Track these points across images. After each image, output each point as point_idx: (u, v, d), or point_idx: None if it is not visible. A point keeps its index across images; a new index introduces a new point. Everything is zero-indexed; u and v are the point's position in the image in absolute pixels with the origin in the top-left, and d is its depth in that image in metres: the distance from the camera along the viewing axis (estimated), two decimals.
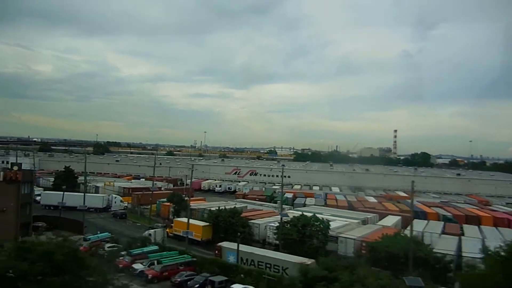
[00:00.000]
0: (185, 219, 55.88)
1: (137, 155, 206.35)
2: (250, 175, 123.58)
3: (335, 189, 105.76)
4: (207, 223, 52.56)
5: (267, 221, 53.91)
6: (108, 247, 44.34)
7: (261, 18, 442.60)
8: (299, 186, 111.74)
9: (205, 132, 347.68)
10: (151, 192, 79.50)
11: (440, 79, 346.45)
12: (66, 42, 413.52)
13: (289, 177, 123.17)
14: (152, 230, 51.78)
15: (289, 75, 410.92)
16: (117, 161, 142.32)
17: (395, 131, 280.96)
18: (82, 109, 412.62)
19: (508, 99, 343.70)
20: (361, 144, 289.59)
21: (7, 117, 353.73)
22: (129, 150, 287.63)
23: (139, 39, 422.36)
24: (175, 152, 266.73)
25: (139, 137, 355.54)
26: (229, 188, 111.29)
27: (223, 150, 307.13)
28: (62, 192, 73.16)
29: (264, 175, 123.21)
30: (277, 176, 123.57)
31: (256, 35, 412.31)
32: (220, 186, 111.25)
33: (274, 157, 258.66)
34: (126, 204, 76.79)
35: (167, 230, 56.18)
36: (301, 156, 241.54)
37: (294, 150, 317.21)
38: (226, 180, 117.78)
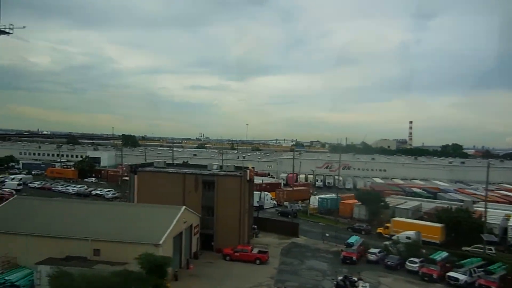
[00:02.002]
0: (407, 219, 53.06)
1: (167, 148, 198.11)
2: (343, 169, 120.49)
3: (440, 183, 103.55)
4: (441, 224, 49.43)
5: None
6: (379, 253, 41.30)
7: (258, 9, 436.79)
8: (399, 181, 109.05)
9: (247, 124, 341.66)
10: (292, 189, 76.62)
11: (435, 69, 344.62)
12: (62, 33, 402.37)
13: (384, 170, 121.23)
14: (409, 233, 46.44)
15: (286, 66, 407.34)
16: (194, 155, 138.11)
17: (411, 122, 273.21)
18: (78, 101, 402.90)
19: (505, 89, 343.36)
20: (369, 135, 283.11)
21: (3, 109, 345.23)
22: (158, 143, 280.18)
23: (136, 31, 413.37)
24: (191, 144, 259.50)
25: (136, 130, 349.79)
26: (328, 182, 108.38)
27: (228, 142, 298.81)
28: None
29: (358, 169, 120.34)
30: (371, 170, 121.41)
31: (253, 26, 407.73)
32: (320, 181, 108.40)
33: (301, 150, 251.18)
34: (275, 202, 73.47)
35: (379, 230, 53.17)
36: (335, 149, 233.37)
37: (297, 142, 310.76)
38: (318, 174, 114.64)
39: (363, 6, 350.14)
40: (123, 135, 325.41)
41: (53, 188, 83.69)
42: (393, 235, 50.36)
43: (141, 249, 31.04)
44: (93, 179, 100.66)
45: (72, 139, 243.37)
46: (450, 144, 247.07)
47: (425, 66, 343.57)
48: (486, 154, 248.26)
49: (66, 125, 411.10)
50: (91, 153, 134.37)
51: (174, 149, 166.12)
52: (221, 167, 47.84)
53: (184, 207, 37.05)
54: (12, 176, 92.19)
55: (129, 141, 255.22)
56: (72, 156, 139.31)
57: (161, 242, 31.36)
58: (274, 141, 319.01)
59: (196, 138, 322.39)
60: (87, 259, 31.99)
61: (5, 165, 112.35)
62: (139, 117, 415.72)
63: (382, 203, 57.91)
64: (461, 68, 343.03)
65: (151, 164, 50.80)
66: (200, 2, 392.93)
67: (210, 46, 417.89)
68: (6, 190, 74.80)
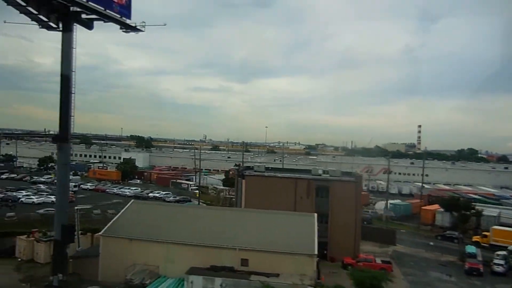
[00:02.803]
0: (509, 229, 51.28)
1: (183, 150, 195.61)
2: (383, 173, 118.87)
3: (486, 189, 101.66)
4: None
5: None
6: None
7: (263, 11, 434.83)
8: (442, 186, 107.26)
9: (267, 127, 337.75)
10: None
11: (440, 73, 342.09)
12: None
13: (427, 175, 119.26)
14: None
15: (290, 69, 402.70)
16: (228, 157, 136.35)
17: (419, 126, 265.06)
18: (81, 101, 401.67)
19: (506, 93, 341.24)
20: (374, 139, 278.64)
21: (7, 109, 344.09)
22: (171, 145, 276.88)
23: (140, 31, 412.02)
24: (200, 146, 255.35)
25: (139, 131, 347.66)
26: (372, 187, 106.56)
27: (233, 144, 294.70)
28: None
29: (399, 173, 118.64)
30: (413, 174, 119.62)
31: (257, 28, 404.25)
32: (364, 186, 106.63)
33: (315, 152, 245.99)
34: None
35: (476, 239, 51.36)
36: (352, 152, 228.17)
37: (301, 145, 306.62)
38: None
39: (368, 9, 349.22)
40: (131, 135, 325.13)
41: (108, 190, 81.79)
42: (493, 244, 48.87)
43: (294, 260, 29.47)
44: (138, 181, 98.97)
45: (85, 140, 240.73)
46: (465, 148, 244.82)
47: (429, 70, 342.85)
48: (503, 158, 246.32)
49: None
50: (125, 154, 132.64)
51: (190, 150, 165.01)
52: (325, 171, 46.02)
53: (315, 214, 35.33)
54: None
55: (143, 142, 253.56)
56: (104, 157, 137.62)
57: (316, 252, 29.68)
58: (277, 144, 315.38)
59: (200, 139, 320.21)
60: (234, 269, 30.26)
61: (44, 165, 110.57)
62: (141, 118, 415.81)
63: (473, 210, 56.15)
64: (465, 72, 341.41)
65: (248, 168, 49.02)
66: (205, 4, 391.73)
67: (214, 48, 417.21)
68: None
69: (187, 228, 32.46)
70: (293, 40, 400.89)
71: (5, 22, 33.11)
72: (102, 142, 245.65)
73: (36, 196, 66.38)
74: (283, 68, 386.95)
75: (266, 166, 51.51)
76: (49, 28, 31.38)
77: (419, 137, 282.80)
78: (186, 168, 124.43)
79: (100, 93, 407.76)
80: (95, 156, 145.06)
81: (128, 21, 32.76)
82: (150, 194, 77.48)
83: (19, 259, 37.15)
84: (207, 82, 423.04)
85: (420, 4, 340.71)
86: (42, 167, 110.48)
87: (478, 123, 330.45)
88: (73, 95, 30.50)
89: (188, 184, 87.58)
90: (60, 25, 31.03)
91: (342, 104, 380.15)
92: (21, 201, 64.53)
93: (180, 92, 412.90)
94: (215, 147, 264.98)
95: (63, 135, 30.23)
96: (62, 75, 30.33)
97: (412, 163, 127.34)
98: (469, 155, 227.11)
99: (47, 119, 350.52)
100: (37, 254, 36.69)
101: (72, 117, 30.44)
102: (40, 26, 31.51)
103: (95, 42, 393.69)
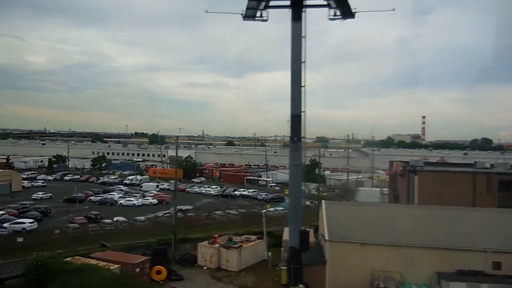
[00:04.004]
0: None
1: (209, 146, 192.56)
2: None
3: None
4: None
5: None
6: None
7: None
8: None
9: (288, 120, 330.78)
10: None
11: (434, 64, 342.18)
12: (60, 32, 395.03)
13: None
14: None
15: (284, 63, 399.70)
16: (275, 152, 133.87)
17: (423, 117, 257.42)
18: (75, 100, 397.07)
19: (499, 83, 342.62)
20: (375, 132, 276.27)
21: (1, 109, 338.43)
22: (186, 141, 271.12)
23: (133, 28, 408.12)
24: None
25: (136, 128, 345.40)
26: None
27: (228, 139, 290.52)
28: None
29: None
30: None
31: (251, 22, 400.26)
32: None
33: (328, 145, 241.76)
34: None
35: None
36: (369, 144, 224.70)
37: (322, 137, 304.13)
38: None
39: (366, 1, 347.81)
40: (135, 133, 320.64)
41: (187, 189, 78.96)
42: None
43: None
44: (202, 179, 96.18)
45: (96, 138, 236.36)
46: (478, 138, 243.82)
47: (424, 62, 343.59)
48: None
49: (63, 124, 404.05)
50: (170, 152, 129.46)
51: (206, 146, 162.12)
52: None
53: None
54: (139, 177, 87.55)
55: (157, 139, 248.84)
56: (148, 155, 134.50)
57: None
58: (274, 137, 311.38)
59: (199, 135, 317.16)
60: (484, 273, 28.03)
61: (98, 165, 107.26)
62: (136, 114, 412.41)
63: None
64: (460, 63, 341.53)
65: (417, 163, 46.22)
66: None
67: (208, 43, 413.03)
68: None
69: (421, 230, 30.05)
70: (287, 34, 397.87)
71: (206, 11, 30.19)
72: (115, 140, 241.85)
73: (134, 198, 63.57)
74: (277, 63, 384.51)
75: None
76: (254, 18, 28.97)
77: (423, 128, 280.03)
78: (233, 164, 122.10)
79: (94, 91, 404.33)
80: (132, 155, 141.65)
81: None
82: (236, 193, 74.87)
83: (204, 267, 34.59)
84: (201, 77, 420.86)
85: None
86: (96, 167, 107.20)
87: (469, 113, 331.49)
88: (302, 88, 27.84)
89: (266, 181, 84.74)
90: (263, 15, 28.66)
91: (335, 97, 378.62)
92: (121, 203, 61.80)
93: (174, 88, 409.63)
94: (230, 142, 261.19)
95: (297, 133, 27.62)
96: (292, 70, 27.72)
97: (465, 154, 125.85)
98: (483, 145, 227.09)
99: (40, 117, 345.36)
100: (227, 261, 34.12)
101: (303, 112, 27.77)
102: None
103: (90, 40, 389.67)
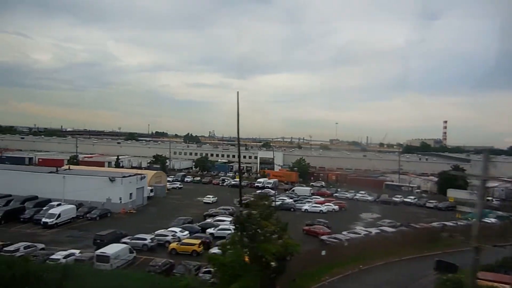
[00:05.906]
0: None
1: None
2: None
3: None
4: None
5: None
6: None
7: (262, 7, 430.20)
8: None
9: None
10: None
11: (438, 69, 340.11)
12: (66, 30, 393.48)
13: None
14: None
15: (289, 65, 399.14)
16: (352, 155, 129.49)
17: (445, 121, 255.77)
18: (80, 98, 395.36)
19: (504, 89, 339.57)
20: (374, 135, 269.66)
21: (5, 106, 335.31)
22: (214, 141, 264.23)
23: (139, 28, 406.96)
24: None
25: (142, 127, 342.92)
26: None
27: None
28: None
29: None
30: None
31: (256, 24, 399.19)
32: None
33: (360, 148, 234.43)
34: None
35: None
36: (408, 149, 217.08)
37: (353, 141, 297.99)
38: None
39: (370, 5, 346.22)
40: (156, 132, 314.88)
41: (336, 194, 74.38)
42: None
43: None
44: (322, 183, 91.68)
45: (130, 137, 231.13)
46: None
47: (427, 66, 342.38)
48: None
49: (67, 122, 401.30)
50: (261, 154, 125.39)
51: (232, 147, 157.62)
52: None
53: None
54: (261, 180, 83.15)
55: (192, 140, 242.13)
56: (233, 156, 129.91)
57: None
58: (280, 139, 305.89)
59: (210, 135, 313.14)
60: None
61: (200, 166, 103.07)
62: (141, 114, 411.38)
63: None
64: (463, 68, 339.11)
65: None
66: (204, 1, 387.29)
67: (213, 44, 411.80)
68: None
69: None
70: (293, 36, 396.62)
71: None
72: (147, 139, 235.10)
73: (321, 205, 59.41)
74: (282, 64, 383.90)
75: None
76: None
77: (444, 133, 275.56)
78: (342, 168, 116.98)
79: (99, 90, 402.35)
80: (217, 156, 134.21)
81: None
82: (395, 199, 70.22)
83: None
84: (206, 78, 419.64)
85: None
86: (198, 168, 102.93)
87: (472, 118, 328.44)
88: None
89: (411, 187, 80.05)
90: None
91: (340, 100, 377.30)
92: (306, 209, 57.63)
93: (180, 88, 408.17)
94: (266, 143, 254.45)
95: None
96: None
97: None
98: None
99: (45, 115, 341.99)
100: None
101: None
102: None
103: (95, 39, 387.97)
